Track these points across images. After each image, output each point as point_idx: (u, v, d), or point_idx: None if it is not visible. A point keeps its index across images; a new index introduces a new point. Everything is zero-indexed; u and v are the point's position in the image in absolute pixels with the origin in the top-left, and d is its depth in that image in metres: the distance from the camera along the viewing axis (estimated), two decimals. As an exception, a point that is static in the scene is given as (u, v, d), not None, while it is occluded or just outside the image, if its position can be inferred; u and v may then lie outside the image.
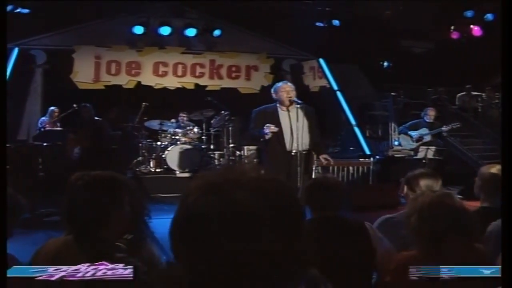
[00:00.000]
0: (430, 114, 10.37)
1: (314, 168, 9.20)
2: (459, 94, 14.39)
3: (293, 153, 5.89)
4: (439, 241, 2.27)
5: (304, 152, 5.99)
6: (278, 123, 5.98)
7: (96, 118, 10.57)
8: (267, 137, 5.92)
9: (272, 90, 6.30)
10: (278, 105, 6.13)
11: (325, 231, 2.79)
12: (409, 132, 10.34)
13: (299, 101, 6.01)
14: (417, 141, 10.19)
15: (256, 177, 1.05)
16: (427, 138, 10.15)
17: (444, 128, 10.15)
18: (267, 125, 5.89)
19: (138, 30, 12.00)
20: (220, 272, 0.99)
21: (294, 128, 5.92)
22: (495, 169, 3.43)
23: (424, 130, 10.21)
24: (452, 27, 13.71)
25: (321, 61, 13.74)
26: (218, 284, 0.99)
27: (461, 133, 13.00)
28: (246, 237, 0.98)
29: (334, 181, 3.17)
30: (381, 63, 15.06)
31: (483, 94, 14.37)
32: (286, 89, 6.09)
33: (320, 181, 3.18)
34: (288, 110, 6.03)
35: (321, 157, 6.37)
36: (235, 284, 0.98)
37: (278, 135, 5.93)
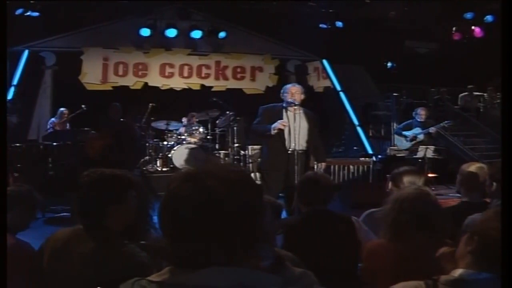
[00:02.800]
0: (421, 114, 10.61)
1: (315, 167, 9.46)
2: (461, 94, 14.51)
3: (290, 152, 6.09)
4: (403, 232, 2.49)
5: (300, 152, 6.17)
6: None
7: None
8: (273, 132, 6.09)
9: (282, 92, 6.47)
10: (284, 105, 6.33)
11: (314, 223, 3.03)
12: (403, 133, 10.58)
13: (297, 103, 6.23)
14: (411, 140, 10.44)
15: (225, 169, 1.31)
16: (421, 137, 10.38)
17: (435, 127, 10.39)
18: (279, 121, 6.07)
19: (145, 32, 12.18)
20: (194, 245, 1.25)
21: (294, 128, 6.12)
22: (474, 167, 3.66)
23: (417, 130, 10.44)
24: (454, 28, 13.85)
25: (325, 62, 13.90)
26: (193, 254, 1.25)
27: (463, 133, 13.18)
28: (215, 216, 1.24)
29: (323, 178, 3.41)
30: (385, 63, 15.22)
31: (485, 94, 14.50)
32: (291, 90, 6.28)
33: (310, 178, 3.42)
34: (294, 111, 6.21)
35: (319, 164, 6.55)
36: (206, 254, 1.25)
37: (280, 133, 6.13)
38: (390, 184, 3.55)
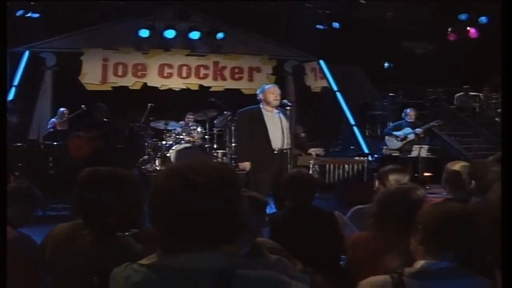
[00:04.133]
0: (410, 115, 10.89)
1: (311, 166, 9.64)
2: (457, 94, 14.68)
3: (276, 152, 6.27)
4: (383, 225, 2.65)
5: (285, 151, 6.34)
6: (263, 124, 6.32)
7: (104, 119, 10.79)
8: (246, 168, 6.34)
9: (259, 91, 6.57)
10: (262, 106, 6.44)
11: (298, 218, 3.20)
12: (394, 133, 10.78)
13: (289, 103, 6.40)
14: (401, 140, 10.63)
15: (206, 165, 1.48)
16: (411, 137, 10.57)
17: (423, 128, 10.59)
18: (243, 164, 6.32)
19: (144, 33, 12.32)
20: (179, 232, 1.42)
21: (280, 128, 6.31)
22: (458, 165, 3.83)
23: (407, 130, 10.64)
24: (450, 29, 14.00)
25: (322, 62, 14.06)
26: (177, 240, 1.42)
27: (458, 132, 13.35)
28: (196, 206, 1.41)
29: (306, 176, 3.58)
30: (383, 64, 15.36)
31: (481, 94, 14.66)
32: (274, 92, 6.40)
33: (294, 176, 3.60)
34: (273, 112, 6.37)
35: (310, 151, 6.70)
36: (189, 240, 1.42)
37: (265, 135, 6.28)
38: (377, 183, 3.71)
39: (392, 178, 3.60)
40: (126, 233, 2.39)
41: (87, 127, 10.00)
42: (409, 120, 10.86)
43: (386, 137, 11.17)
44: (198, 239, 1.42)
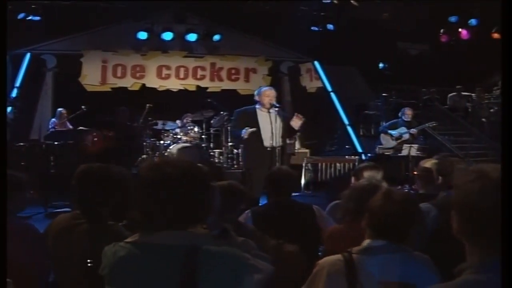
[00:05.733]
0: (407, 114, 11.08)
1: (304, 165, 9.94)
2: (450, 95, 14.94)
3: (269, 149, 6.61)
4: (352, 218, 2.95)
5: (278, 148, 6.68)
6: (257, 123, 6.72)
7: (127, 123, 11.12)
8: (244, 137, 6.68)
9: (256, 93, 7.04)
10: (258, 106, 6.85)
11: (279, 211, 3.50)
12: (389, 131, 11.03)
13: (277, 105, 6.74)
14: (396, 139, 10.89)
15: (179, 160, 1.79)
16: (406, 136, 10.83)
17: (418, 128, 10.85)
18: (246, 128, 6.63)
19: (142, 35, 12.57)
20: (156, 215, 1.73)
21: (272, 127, 6.62)
22: (429, 163, 4.12)
23: (402, 129, 10.89)
24: (442, 30, 14.25)
25: (316, 63, 14.31)
26: (155, 221, 1.74)
27: (451, 132, 13.61)
28: (171, 193, 1.72)
29: (286, 172, 3.89)
30: (378, 64, 15.60)
31: (473, 94, 14.91)
32: (269, 94, 6.81)
33: (275, 172, 3.91)
34: (267, 112, 6.74)
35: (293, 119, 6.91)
36: (165, 221, 1.73)
37: (258, 133, 6.67)
38: (353, 179, 4.01)
39: (366, 174, 3.90)
40: (120, 223, 2.70)
41: (109, 127, 10.43)
42: (405, 119, 11.07)
43: (382, 135, 11.38)
44: (172, 221, 1.73)
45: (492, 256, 1.43)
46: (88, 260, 2.43)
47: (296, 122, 6.78)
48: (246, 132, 6.62)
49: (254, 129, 6.62)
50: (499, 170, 1.48)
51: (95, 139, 10.36)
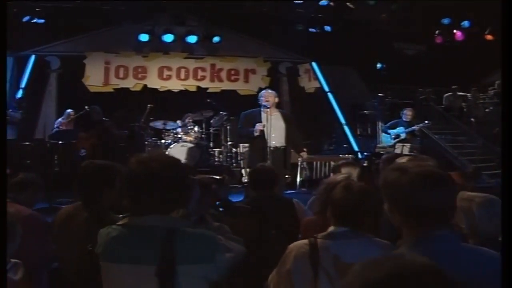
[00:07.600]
0: (407, 114, 11.40)
1: (299, 163, 10.27)
2: (446, 95, 15.18)
3: (272, 148, 7.00)
4: (324, 209, 3.27)
5: (281, 148, 7.09)
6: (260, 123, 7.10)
7: (104, 119, 11.28)
8: (256, 134, 7.04)
9: (259, 96, 7.47)
10: (262, 108, 7.26)
11: (262, 205, 3.83)
12: (388, 131, 11.38)
13: (268, 106, 7.14)
14: (394, 138, 11.22)
15: (162, 156, 2.14)
16: (404, 136, 11.16)
17: (415, 127, 11.16)
18: (257, 124, 7.00)
19: (144, 37, 12.90)
20: (142, 201, 2.07)
21: (272, 127, 6.99)
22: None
23: (400, 129, 11.22)
24: (437, 32, 14.50)
25: (314, 64, 14.60)
26: (142, 207, 2.08)
27: (446, 131, 13.87)
28: (155, 184, 2.06)
29: (267, 169, 4.23)
30: (375, 65, 15.84)
31: (468, 94, 15.18)
32: (266, 96, 7.25)
33: (257, 169, 4.25)
34: (271, 113, 7.14)
35: (300, 154, 7.52)
36: (150, 207, 2.07)
37: (261, 134, 7.07)
38: (331, 174, 4.33)
39: (344, 170, 4.22)
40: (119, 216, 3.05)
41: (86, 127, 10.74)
42: (405, 120, 11.43)
43: (383, 134, 11.81)
44: (155, 207, 2.07)
45: (420, 234, 1.78)
46: (89, 245, 2.77)
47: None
48: (257, 128, 7.00)
49: (264, 124, 6.98)
50: (420, 166, 1.83)
51: (83, 138, 10.68)
